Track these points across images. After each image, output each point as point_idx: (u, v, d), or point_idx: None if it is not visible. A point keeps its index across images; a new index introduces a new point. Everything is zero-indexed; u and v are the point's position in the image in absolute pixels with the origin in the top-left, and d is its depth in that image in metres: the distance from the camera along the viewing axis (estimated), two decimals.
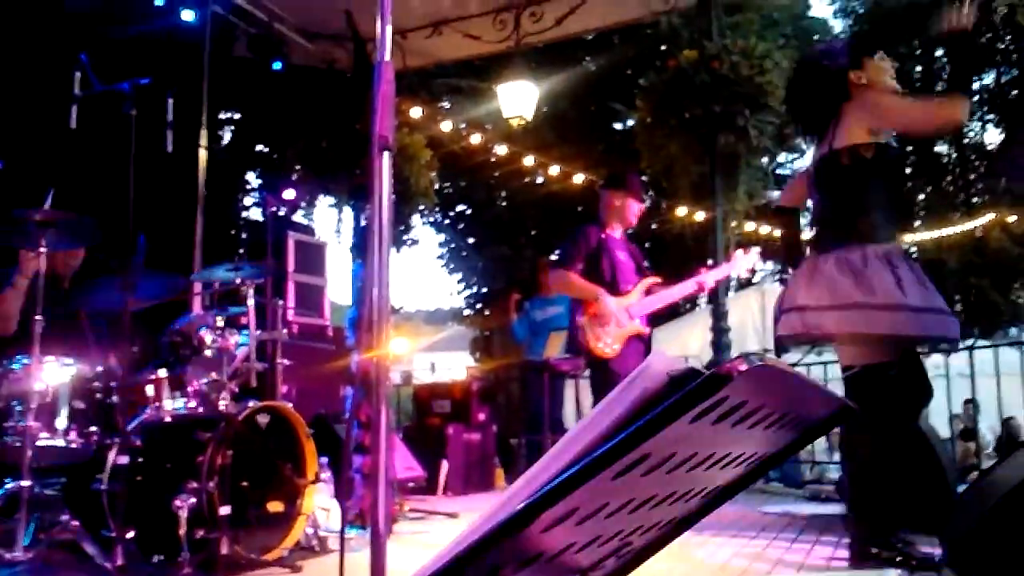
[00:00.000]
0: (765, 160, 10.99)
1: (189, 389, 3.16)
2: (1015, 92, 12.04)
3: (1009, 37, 9.97)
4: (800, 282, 2.76)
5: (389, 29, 1.60)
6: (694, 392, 0.92)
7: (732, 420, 1.12)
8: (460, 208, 12.97)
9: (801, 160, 16.02)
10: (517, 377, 6.48)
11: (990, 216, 10.72)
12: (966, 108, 2.68)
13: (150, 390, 3.14)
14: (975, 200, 12.25)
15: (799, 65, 3.17)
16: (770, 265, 15.95)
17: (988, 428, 7.77)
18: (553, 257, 5.34)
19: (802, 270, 2.81)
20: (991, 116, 13.47)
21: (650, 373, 0.94)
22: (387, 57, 1.57)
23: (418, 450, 5.26)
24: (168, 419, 3.03)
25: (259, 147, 8.91)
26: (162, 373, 3.17)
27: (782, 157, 14.09)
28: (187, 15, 5.59)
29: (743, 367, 0.92)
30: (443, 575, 1.02)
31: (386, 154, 1.55)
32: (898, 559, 2.58)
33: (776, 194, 5.14)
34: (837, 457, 5.45)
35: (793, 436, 1.44)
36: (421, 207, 7.36)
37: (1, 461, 2.78)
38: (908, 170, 13.86)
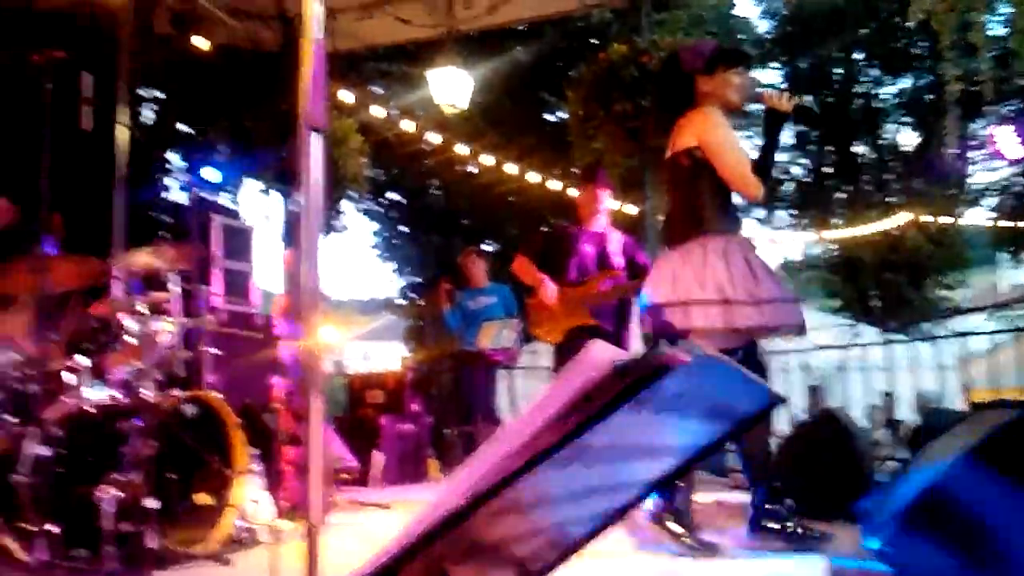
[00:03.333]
0: None
1: (111, 378, 3.03)
2: (930, 96, 12.65)
3: (924, 43, 10.45)
4: (651, 278, 2.90)
5: (320, 7, 1.55)
6: (639, 381, 0.93)
7: (670, 409, 1.14)
8: (393, 196, 12.82)
9: None
10: (451, 367, 6.44)
11: (906, 215, 11.22)
12: (762, 194, 2.85)
13: (70, 378, 2.99)
14: (891, 200, 12.82)
15: (667, 57, 3.26)
16: None
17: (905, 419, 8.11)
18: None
19: (655, 265, 2.96)
20: (907, 119, 14.12)
21: (592, 362, 0.95)
22: (319, 35, 1.52)
23: (351, 441, 5.19)
24: (90, 409, 2.89)
25: (182, 127, 8.60)
26: (82, 360, 3.02)
27: None
28: None
29: (686, 357, 0.95)
30: (388, 567, 1.01)
31: (317, 136, 1.50)
32: (787, 531, 2.78)
33: None
34: None
35: (727, 427, 1.47)
36: (351, 193, 7.23)
37: None
38: (827, 170, 14.39)
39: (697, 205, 2.84)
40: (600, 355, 0.95)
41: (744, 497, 4.63)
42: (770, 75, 16.17)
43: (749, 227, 14.45)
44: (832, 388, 7.24)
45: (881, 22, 10.50)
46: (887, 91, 14.17)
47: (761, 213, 15.33)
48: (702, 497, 4.54)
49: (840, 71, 12.76)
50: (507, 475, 0.93)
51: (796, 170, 15.06)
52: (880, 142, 13.61)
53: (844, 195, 14.31)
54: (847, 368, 5.64)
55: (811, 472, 3.44)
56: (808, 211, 14.39)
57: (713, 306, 2.65)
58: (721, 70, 2.89)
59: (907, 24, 7.38)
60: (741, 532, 3.16)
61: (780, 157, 15.65)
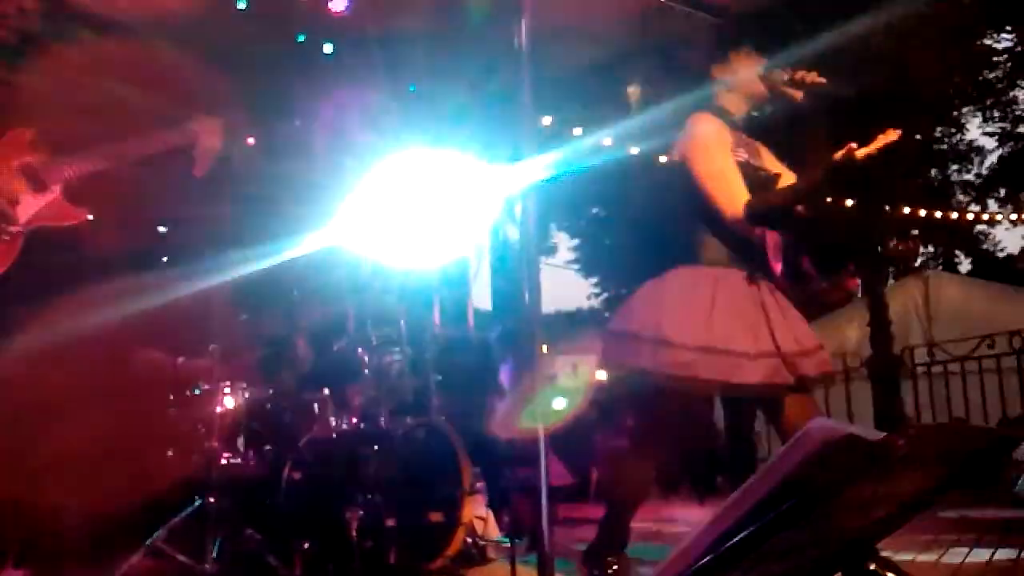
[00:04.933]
0: (916, 136, 10.23)
1: (351, 407, 3.34)
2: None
3: None
4: (638, 302, 2.52)
5: None
6: (848, 465, 0.98)
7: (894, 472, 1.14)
8: (594, 210, 13.01)
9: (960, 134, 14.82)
10: None
11: None
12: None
13: (316, 408, 3.35)
14: None
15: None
16: (931, 248, 14.84)
17: None
18: None
19: (645, 288, 2.53)
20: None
21: (812, 437, 0.99)
22: None
23: (565, 457, 5.29)
24: (334, 435, 3.21)
25: None
26: (325, 392, 3.37)
27: (937, 131, 13.11)
28: None
29: (901, 441, 0.98)
30: None
31: None
32: None
33: None
34: None
35: (956, 468, 1.41)
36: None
37: (189, 480, 3.04)
38: None
39: (694, 225, 2.47)
40: (816, 432, 0.98)
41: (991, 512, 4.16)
42: (1003, 41, 14.42)
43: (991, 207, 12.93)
44: None
45: None
46: None
47: (1002, 192, 13.62)
48: (945, 513, 4.16)
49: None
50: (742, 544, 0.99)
51: None
52: None
53: None
54: None
55: None
56: None
57: (678, 350, 2.28)
58: (733, 54, 2.52)
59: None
60: None
61: (1022, 129, 13.86)
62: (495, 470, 3.99)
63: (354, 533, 2.78)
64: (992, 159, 13.66)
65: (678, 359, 2.27)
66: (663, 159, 2.57)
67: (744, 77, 2.50)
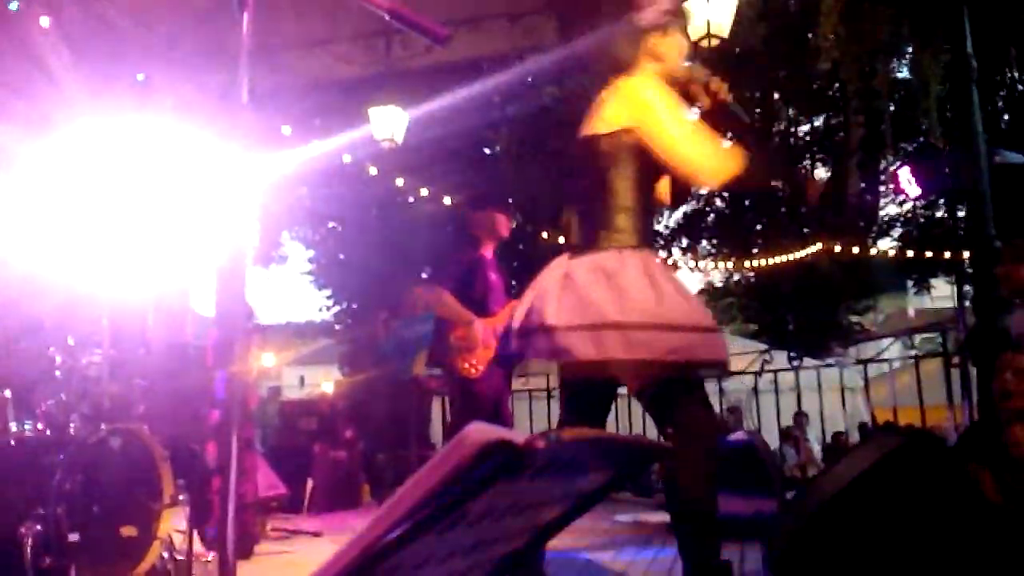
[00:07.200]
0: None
1: (36, 411, 3.07)
2: (840, 134, 13.50)
3: (836, 85, 11.21)
4: (550, 294, 2.26)
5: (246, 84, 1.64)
6: (498, 467, 1.00)
7: (546, 475, 1.22)
8: (331, 225, 12.93)
9: None
10: (385, 392, 6.55)
11: (819, 245, 11.82)
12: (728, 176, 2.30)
13: None
14: (806, 230, 13.52)
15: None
16: None
17: (815, 439, 8.53)
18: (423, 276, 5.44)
19: (553, 277, 2.30)
20: (820, 155, 15.06)
21: (466, 442, 0.99)
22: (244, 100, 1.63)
23: (283, 468, 5.23)
24: (12, 442, 2.93)
25: None
26: (6, 394, 3.05)
27: None
28: None
29: (540, 444, 0.98)
30: None
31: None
32: None
33: None
34: None
35: (610, 475, 1.52)
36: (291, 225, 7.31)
37: None
38: (746, 202, 15.11)
39: (614, 206, 2.26)
40: (473, 437, 0.98)
41: (663, 516, 4.84)
42: (692, 112, 16.75)
43: (675, 255, 15.04)
44: (747, 409, 7.57)
45: (795, 66, 11.21)
46: (801, 129, 15.11)
47: (684, 242, 15.95)
48: (622, 517, 4.76)
49: (758, 110, 13.49)
50: (389, 545, 0.99)
51: (717, 202, 15.80)
52: (796, 177, 14.41)
53: (761, 226, 15.02)
54: (760, 390, 5.97)
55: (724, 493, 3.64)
56: (728, 241, 15.03)
57: (638, 331, 2.13)
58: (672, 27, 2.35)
59: (819, 68, 7.88)
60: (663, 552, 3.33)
61: (702, 190, 16.37)
62: (201, 481, 3.86)
63: (29, 550, 2.56)
64: (678, 214, 15.90)
65: (683, 343, 2.15)
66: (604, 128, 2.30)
67: (666, 53, 2.37)
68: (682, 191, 2.55)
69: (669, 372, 2.25)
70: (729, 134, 2.49)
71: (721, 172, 2.28)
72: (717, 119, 2.34)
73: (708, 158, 2.26)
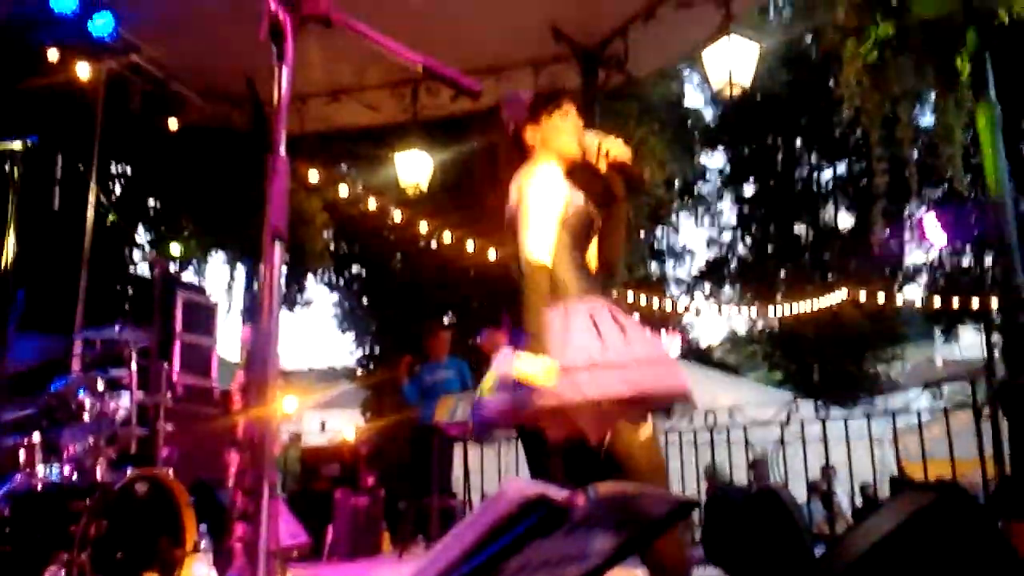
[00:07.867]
0: (642, 235, 11.60)
1: (64, 455, 3.09)
2: (864, 180, 13.53)
3: (859, 131, 11.28)
4: (563, 337, 2.30)
5: (284, 120, 1.70)
6: (537, 524, 1.02)
7: (580, 531, 1.22)
8: (355, 270, 13.02)
9: (676, 236, 17.14)
10: (406, 438, 6.51)
11: (843, 293, 11.72)
12: (538, 265, 2.36)
13: (22, 455, 3.05)
14: (830, 277, 13.43)
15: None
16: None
17: (843, 492, 8.31)
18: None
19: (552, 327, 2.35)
20: (844, 201, 15.05)
21: (506, 498, 1.02)
22: (282, 152, 1.67)
23: (304, 515, 5.19)
24: (40, 487, 2.94)
25: (150, 202, 8.75)
26: (35, 438, 3.08)
27: (658, 232, 15.10)
28: (82, 71, 5.52)
29: (581, 501, 1.02)
30: None
31: (278, 244, 1.64)
32: None
33: None
34: None
35: (637, 531, 1.54)
36: (317, 269, 7.38)
37: None
38: (770, 248, 15.08)
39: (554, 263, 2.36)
40: (513, 493, 1.01)
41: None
42: (717, 159, 17.02)
43: (698, 301, 15.01)
44: (773, 461, 7.42)
45: (817, 112, 11.24)
46: (825, 175, 15.13)
47: (707, 288, 15.94)
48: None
49: (781, 156, 13.55)
50: None
51: (740, 248, 15.78)
52: (819, 223, 14.36)
53: (785, 272, 14.95)
54: (787, 441, 5.86)
55: (752, 550, 3.54)
56: (751, 287, 14.97)
57: (582, 373, 2.17)
58: (545, 115, 2.49)
59: (841, 115, 7.95)
60: None
61: (725, 236, 16.49)
62: (224, 527, 3.85)
63: None
64: (700, 261, 15.90)
65: (633, 377, 2.20)
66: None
67: (549, 139, 2.49)
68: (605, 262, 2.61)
69: (627, 411, 2.25)
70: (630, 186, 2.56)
71: (528, 265, 2.34)
72: (615, 176, 2.50)
73: (530, 250, 2.35)
